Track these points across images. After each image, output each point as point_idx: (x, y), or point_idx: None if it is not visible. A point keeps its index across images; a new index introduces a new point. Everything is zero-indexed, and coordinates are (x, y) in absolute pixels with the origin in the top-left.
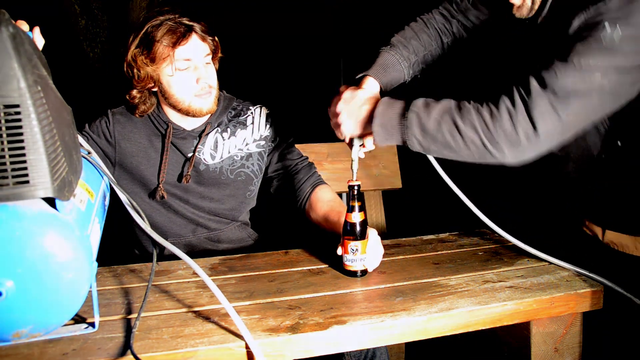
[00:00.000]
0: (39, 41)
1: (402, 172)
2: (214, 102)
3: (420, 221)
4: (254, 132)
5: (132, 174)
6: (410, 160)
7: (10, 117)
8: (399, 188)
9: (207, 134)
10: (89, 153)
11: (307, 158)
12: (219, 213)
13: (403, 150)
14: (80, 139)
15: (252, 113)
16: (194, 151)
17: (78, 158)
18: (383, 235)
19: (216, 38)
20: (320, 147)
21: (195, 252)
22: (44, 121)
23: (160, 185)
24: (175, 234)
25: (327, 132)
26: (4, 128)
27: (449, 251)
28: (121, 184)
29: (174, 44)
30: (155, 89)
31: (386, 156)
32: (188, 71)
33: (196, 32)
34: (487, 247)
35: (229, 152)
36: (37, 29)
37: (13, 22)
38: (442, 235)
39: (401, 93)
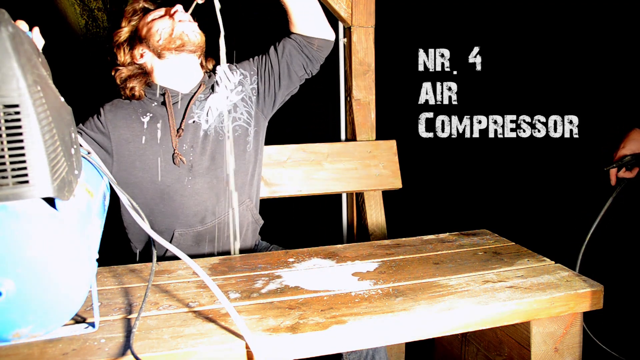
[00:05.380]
0: (39, 41)
1: (402, 172)
2: (200, 33)
3: (420, 221)
4: (227, 86)
5: (131, 162)
6: (410, 160)
7: (10, 117)
8: (399, 188)
9: (202, 97)
10: (89, 153)
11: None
12: (224, 178)
13: (403, 150)
14: (80, 140)
15: (217, 72)
16: (187, 107)
17: (78, 158)
18: (383, 235)
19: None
20: (320, 147)
21: (203, 243)
22: (44, 121)
23: (176, 150)
24: (183, 224)
25: (327, 132)
26: (3, 128)
27: (449, 251)
28: (122, 175)
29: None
30: (141, 55)
31: (386, 156)
32: (158, 12)
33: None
34: (487, 247)
35: (217, 109)
36: (36, 29)
37: (12, 22)
38: (442, 235)
39: None
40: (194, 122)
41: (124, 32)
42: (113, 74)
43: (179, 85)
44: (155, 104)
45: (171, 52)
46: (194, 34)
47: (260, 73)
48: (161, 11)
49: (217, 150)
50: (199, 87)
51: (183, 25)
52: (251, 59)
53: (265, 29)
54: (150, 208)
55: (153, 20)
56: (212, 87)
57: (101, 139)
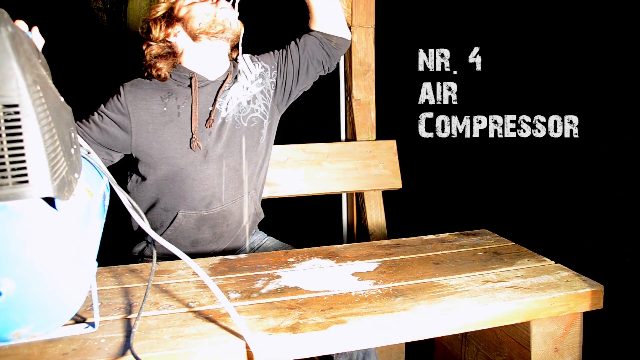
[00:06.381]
0: (39, 41)
1: (402, 172)
2: (240, 22)
3: (420, 221)
4: (247, 76)
5: (149, 142)
6: (410, 160)
7: (9, 117)
8: (399, 188)
9: (228, 85)
10: (89, 153)
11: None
12: (234, 167)
13: (403, 150)
14: (80, 140)
15: (238, 62)
16: (216, 96)
17: (78, 158)
18: (383, 235)
19: None
20: (320, 147)
21: (204, 227)
22: (44, 121)
23: (195, 135)
24: (188, 206)
25: (327, 132)
26: (3, 128)
27: (449, 251)
28: (139, 155)
29: None
30: (177, 35)
31: (386, 156)
32: None
33: None
34: (487, 247)
35: (237, 99)
36: (35, 29)
37: (12, 21)
38: (442, 235)
39: None
40: (215, 100)
41: (161, 8)
42: (144, 48)
43: (207, 71)
44: (180, 86)
45: (208, 37)
46: (236, 23)
47: (280, 67)
48: None
49: (232, 139)
50: (227, 76)
51: (226, 12)
52: (271, 53)
53: (265, 29)
54: (160, 187)
55: (193, 2)
56: (235, 77)
57: (121, 119)
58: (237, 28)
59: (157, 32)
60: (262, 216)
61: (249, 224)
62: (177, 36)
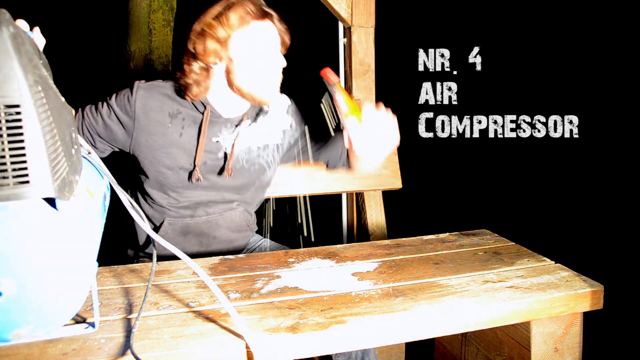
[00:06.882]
0: (40, 41)
1: (402, 172)
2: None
3: (420, 221)
4: (273, 123)
5: (145, 154)
6: (410, 160)
7: (10, 117)
8: (399, 188)
9: (242, 125)
10: (89, 153)
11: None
12: (225, 197)
13: (403, 150)
14: (81, 140)
15: (270, 107)
16: (233, 145)
17: (78, 158)
18: (383, 235)
19: (288, 37)
20: None
21: (190, 236)
22: (45, 121)
23: (197, 169)
24: (174, 215)
25: None
26: (4, 128)
27: (449, 251)
28: (135, 156)
29: (253, 16)
30: (218, 63)
31: (386, 156)
32: (262, 45)
33: (273, 21)
34: (487, 247)
35: (248, 142)
36: (37, 29)
37: (14, 22)
38: (442, 235)
39: None
40: (217, 142)
41: (223, 26)
42: (185, 61)
43: (224, 110)
44: (191, 110)
45: (243, 92)
46: (272, 105)
47: (300, 137)
48: (269, 45)
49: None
50: (242, 118)
51: (270, 97)
52: (308, 114)
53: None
54: (148, 189)
55: (258, 51)
56: (256, 116)
57: (126, 120)
58: (273, 97)
59: (207, 47)
60: (255, 228)
61: (239, 237)
62: (217, 65)
